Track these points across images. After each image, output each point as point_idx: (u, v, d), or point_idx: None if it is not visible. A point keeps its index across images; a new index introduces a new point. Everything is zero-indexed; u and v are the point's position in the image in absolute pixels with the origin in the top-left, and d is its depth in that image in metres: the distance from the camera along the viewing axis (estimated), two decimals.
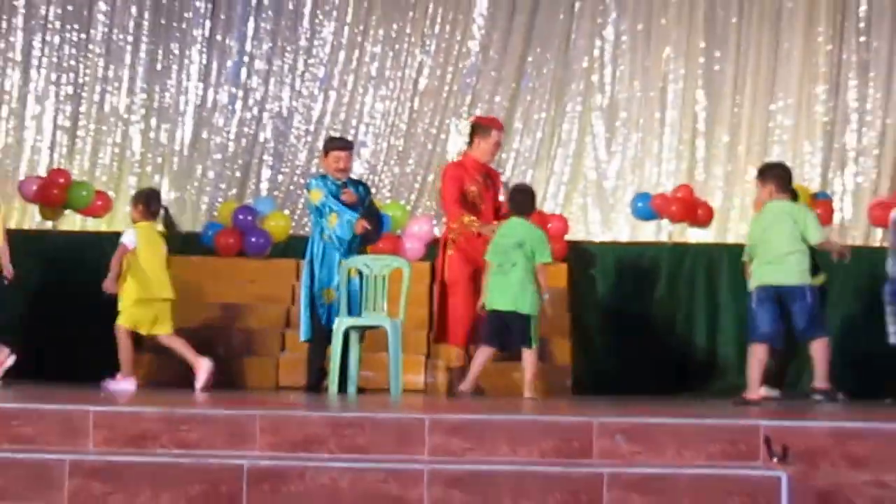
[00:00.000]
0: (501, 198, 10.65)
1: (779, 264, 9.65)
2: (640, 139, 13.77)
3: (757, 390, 9.67)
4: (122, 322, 10.41)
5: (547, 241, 10.28)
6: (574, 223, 12.87)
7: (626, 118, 13.82)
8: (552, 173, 13.44)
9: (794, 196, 10.20)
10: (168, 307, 10.54)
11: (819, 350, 9.69)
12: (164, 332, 10.51)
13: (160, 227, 10.86)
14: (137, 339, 10.70)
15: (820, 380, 9.71)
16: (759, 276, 9.73)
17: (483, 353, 10.05)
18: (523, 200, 10.29)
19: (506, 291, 9.92)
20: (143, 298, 10.40)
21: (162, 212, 10.91)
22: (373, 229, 10.90)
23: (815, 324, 9.66)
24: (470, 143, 10.76)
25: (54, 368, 11.46)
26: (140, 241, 10.49)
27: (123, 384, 10.15)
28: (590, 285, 12.03)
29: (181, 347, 10.48)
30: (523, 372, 10.05)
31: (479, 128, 10.73)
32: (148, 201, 10.77)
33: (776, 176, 10.04)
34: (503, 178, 11.62)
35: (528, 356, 9.98)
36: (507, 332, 9.98)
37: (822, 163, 13.53)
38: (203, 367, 10.30)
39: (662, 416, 7.50)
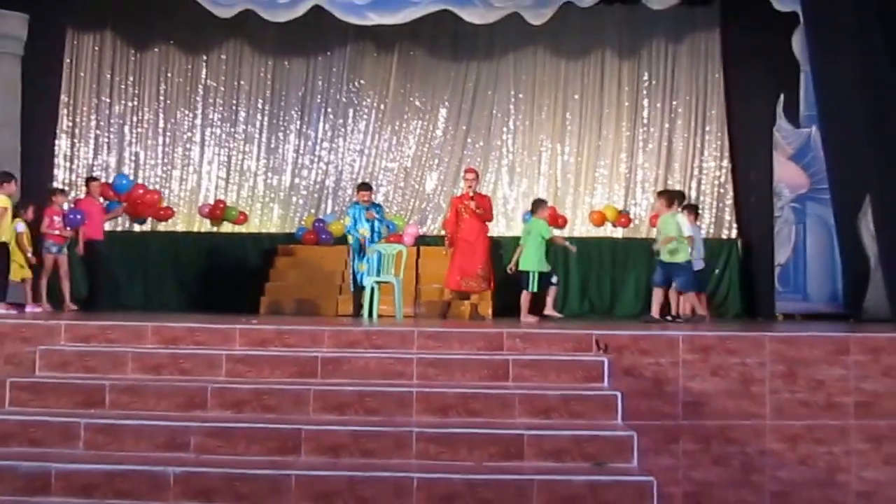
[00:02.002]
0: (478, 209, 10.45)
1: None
2: (527, 183, 13.61)
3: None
4: None
5: (546, 226, 9.92)
6: (493, 227, 12.70)
7: (519, 171, 13.66)
8: None
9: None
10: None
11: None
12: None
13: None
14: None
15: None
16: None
17: (526, 296, 9.76)
18: (538, 208, 10.04)
19: (528, 259, 9.74)
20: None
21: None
22: (384, 231, 10.92)
23: None
24: None
25: (217, 304, 11.39)
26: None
27: None
28: (500, 260, 11.88)
29: None
30: (546, 301, 9.86)
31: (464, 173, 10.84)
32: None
33: (677, 199, 9.64)
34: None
35: (552, 291, 9.90)
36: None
37: (623, 194, 13.43)
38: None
39: (540, 328, 7.48)
